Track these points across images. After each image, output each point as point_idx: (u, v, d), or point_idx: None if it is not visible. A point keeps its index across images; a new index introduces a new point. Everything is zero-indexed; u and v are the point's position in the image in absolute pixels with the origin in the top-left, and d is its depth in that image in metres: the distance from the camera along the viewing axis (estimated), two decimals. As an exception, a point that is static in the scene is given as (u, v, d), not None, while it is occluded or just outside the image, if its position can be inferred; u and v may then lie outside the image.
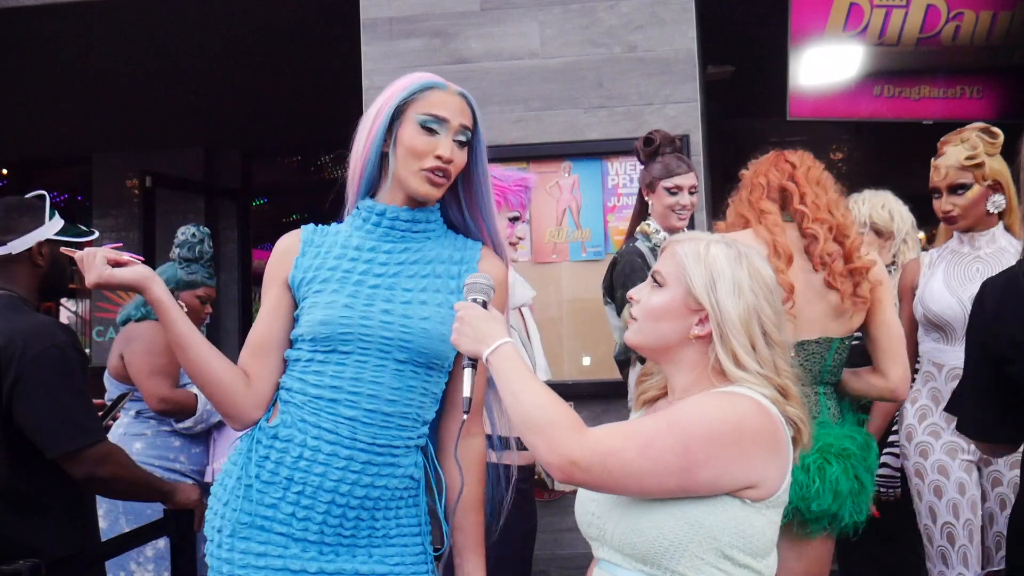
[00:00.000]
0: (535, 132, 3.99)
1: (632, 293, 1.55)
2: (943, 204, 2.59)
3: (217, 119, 6.72)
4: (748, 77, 5.40)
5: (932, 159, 2.65)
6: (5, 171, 8.09)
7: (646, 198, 2.98)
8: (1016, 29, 4.63)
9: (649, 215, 2.97)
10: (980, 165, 2.52)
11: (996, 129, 2.57)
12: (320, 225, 1.73)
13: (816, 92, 4.83)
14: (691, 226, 3.86)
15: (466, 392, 1.49)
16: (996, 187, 2.54)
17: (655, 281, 1.51)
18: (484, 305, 1.51)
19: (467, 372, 1.50)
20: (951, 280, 2.65)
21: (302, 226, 1.72)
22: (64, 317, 7.82)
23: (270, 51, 5.41)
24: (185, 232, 3.41)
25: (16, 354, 2.04)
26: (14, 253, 2.19)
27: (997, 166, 2.54)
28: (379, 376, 1.58)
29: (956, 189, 2.55)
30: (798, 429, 1.44)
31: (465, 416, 1.51)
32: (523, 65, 4.04)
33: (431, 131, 1.59)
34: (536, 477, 3.67)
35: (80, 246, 2.45)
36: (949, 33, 4.61)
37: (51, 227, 2.25)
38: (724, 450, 1.33)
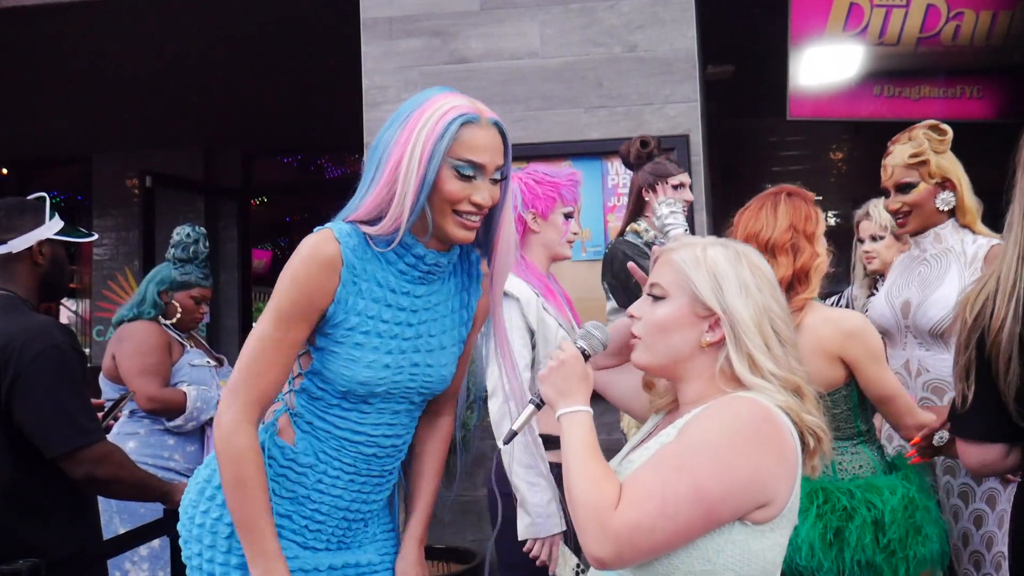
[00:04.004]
0: (535, 132, 3.99)
1: (632, 310, 1.51)
2: (891, 203, 2.55)
3: (217, 119, 6.72)
4: (748, 77, 5.40)
5: (882, 159, 2.60)
6: (5, 171, 8.09)
7: (645, 197, 2.99)
8: (1016, 29, 4.63)
9: (644, 215, 2.99)
10: (925, 162, 2.46)
11: (945, 126, 2.49)
12: (355, 240, 1.54)
13: (816, 92, 4.83)
14: (692, 226, 3.87)
15: (516, 425, 1.51)
16: (945, 184, 2.48)
17: (653, 295, 1.47)
18: (586, 357, 1.51)
19: (529, 407, 1.52)
20: (893, 288, 2.65)
21: (340, 237, 1.52)
22: (64, 317, 7.82)
23: (270, 51, 5.41)
24: (180, 232, 3.41)
25: (15, 354, 2.04)
26: (14, 252, 2.20)
27: (945, 163, 2.47)
28: (395, 419, 1.64)
29: (903, 188, 2.51)
30: (818, 438, 1.39)
31: (503, 445, 1.58)
32: (523, 65, 4.04)
33: (467, 177, 1.50)
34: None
35: (79, 246, 2.47)
36: (949, 33, 4.61)
37: (51, 227, 2.27)
38: (734, 469, 1.29)
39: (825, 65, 4.74)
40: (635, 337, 1.48)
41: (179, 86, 5.99)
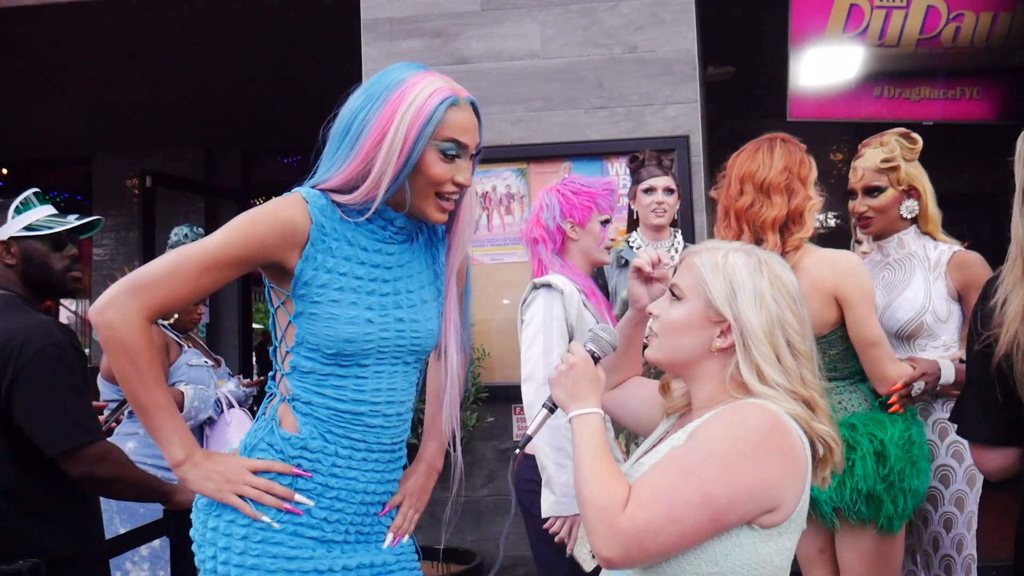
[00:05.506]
0: (535, 132, 3.99)
1: (651, 308, 1.53)
2: (857, 206, 2.60)
3: (217, 119, 6.72)
4: (748, 78, 5.40)
5: (852, 161, 2.66)
6: (5, 171, 8.10)
7: (633, 207, 3.21)
8: (1016, 30, 4.63)
9: (637, 227, 3.20)
10: (895, 168, 2.52)
11: (915, 135, 2.56)
12: (324, 200, 1.58)
13: (816, 93, 4.83)
14: (691, 227, 3.87)
15: (530, 430, 1.53)
16: (911, 192, 2.53)
17: (673, 295, 1.49)
18: (596, 359, 1.53)
19: (543, 412, 1.53)
20: None
21: (308, 198, 1.56)
22: (64, 317, 7.81)
23: (270, 51, 5.41)
24: (178, 233, 3.41)
25: (14, 352, 2.04)
26: None
27: (914, 171, 2.53)
28: (393, 382, 1.63)
29: (871, 191, 2.56)
30: (829, 448, 1.40)
31: (518, 452, 1.55)
32: (523, 65, 4.04)
33: (451, 157, 1.55)
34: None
35: (80, 243, 2.45)
36: (949, 34, 4.61)
37: (13, 225, 2.24)
38: (741, 477, 1.30)
39: (825, 66, 4.74)
40: (652, 334, 1.51)
41: (179, 86, 5.99)
